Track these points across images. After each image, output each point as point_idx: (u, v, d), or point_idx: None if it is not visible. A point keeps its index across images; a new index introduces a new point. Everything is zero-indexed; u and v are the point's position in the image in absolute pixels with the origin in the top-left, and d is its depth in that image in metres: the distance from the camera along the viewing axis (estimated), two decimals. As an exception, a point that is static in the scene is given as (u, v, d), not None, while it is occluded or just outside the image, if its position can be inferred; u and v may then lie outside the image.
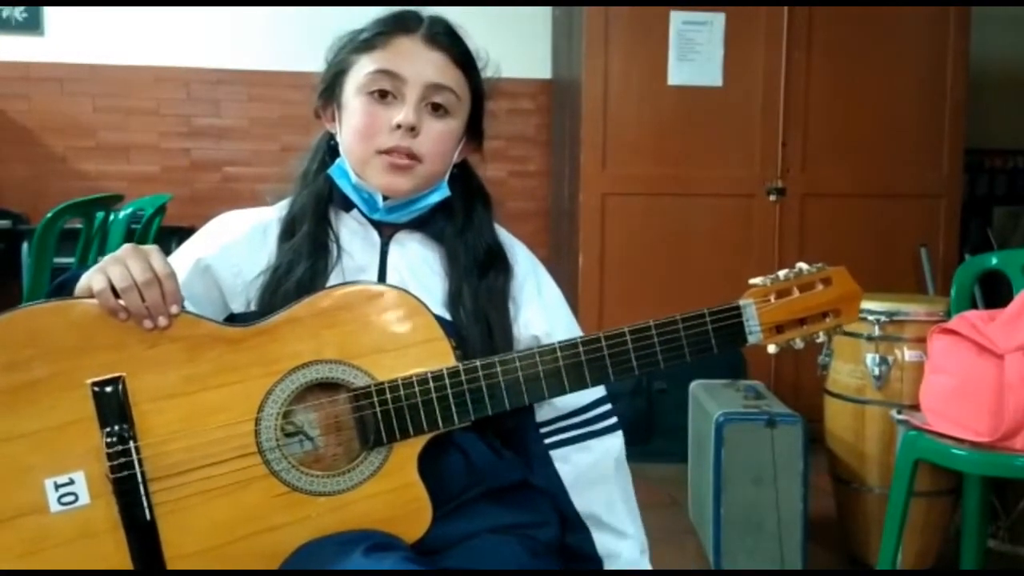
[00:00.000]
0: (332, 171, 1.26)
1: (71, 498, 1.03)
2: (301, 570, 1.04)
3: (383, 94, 1.21)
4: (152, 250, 1.08)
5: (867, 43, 3.71)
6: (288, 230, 1.25)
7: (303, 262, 1.20)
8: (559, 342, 1.15)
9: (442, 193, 1.27)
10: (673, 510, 2.94)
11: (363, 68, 1.23)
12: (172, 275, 1.07)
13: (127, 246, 1.08)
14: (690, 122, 3.63)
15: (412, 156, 1.21)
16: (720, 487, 2.39)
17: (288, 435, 1.10)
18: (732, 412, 2.41)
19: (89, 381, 1.04)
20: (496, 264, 1.28)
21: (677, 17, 3.56)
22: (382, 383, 1.10)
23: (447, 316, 1.22)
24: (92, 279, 1.05)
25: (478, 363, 1.12)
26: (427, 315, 1.14)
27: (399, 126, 1.20)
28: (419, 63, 1.22)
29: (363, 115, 1.22)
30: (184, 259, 1.24)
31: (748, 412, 2.43)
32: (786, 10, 3.61)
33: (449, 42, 1.24)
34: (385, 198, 1.23)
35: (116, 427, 1.04)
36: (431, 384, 1.10)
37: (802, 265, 1.23)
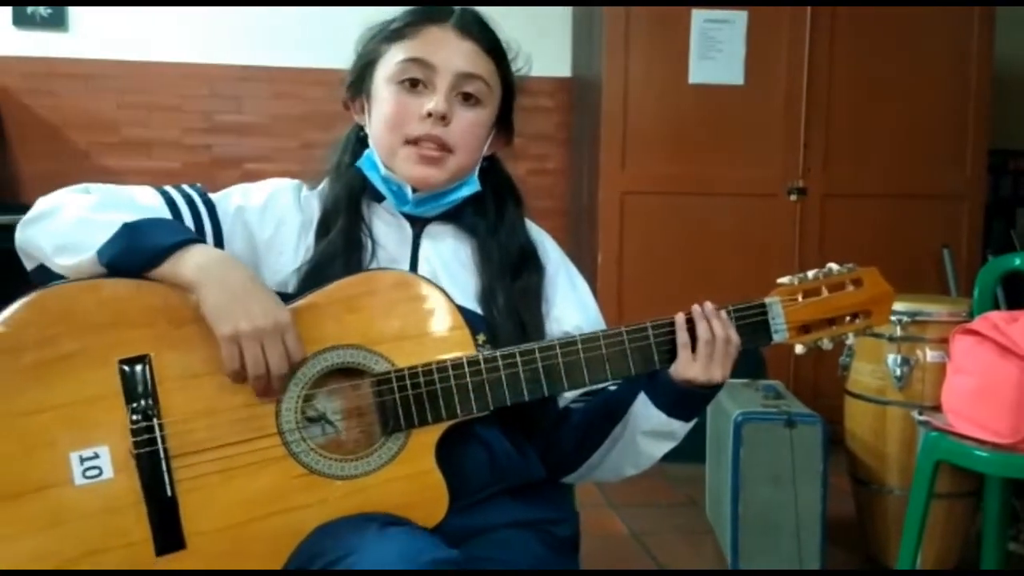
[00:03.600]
0: (361, 163, 1.25)
1: (95, 471, 1.05)
2: (305, 570, 1.04)
3: (414, 83, 1.21)
4: (287, 328, 1.06)
5: (890, 43, 3.68)
6: (324, 225, 1.24)
7: (338, 258, 1.20)
8: (581, 334, 1.15)
9: (472, 187, 1.26)
10: (691, 509, 2.94)
11: (393, 57, 1.22)
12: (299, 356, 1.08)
13: (265, 305, 1.06)
14: (711, 121, 3.61)
15: (443, 146, 1.21)
16: (738, 487, 2.38)
17: (310, 420, 1.11)
18: (751, 412, 2.41)
19: (117, 358, 1.07)
20: (529, 265, 1.28)
21: (699, 15, 3.54)
22: (402, 369, 1.11)
23: (478, 310, 1.22)
24: (224, 346, 1.05)
25: (498, 353, 1.13)
26: (449, 304, 1.14)
27: (430, 114, 1.19)
28: (450, 52, 1.21)
29: (393, 104, 1.21)
30: (239, 220, 1.22)
31: (767, 412, 2.42)
32: (809, 9, 3.59)
33: (480, 32, 1.24)
34: (415, 190, 1.23)
35: (141, 404, 1.06)
36: (450, 371, 1.11)
37: (832, 265, 1.23)
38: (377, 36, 1.26)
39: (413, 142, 1.21)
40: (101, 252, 1.08)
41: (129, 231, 1.08)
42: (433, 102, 1.19)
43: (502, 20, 1.29)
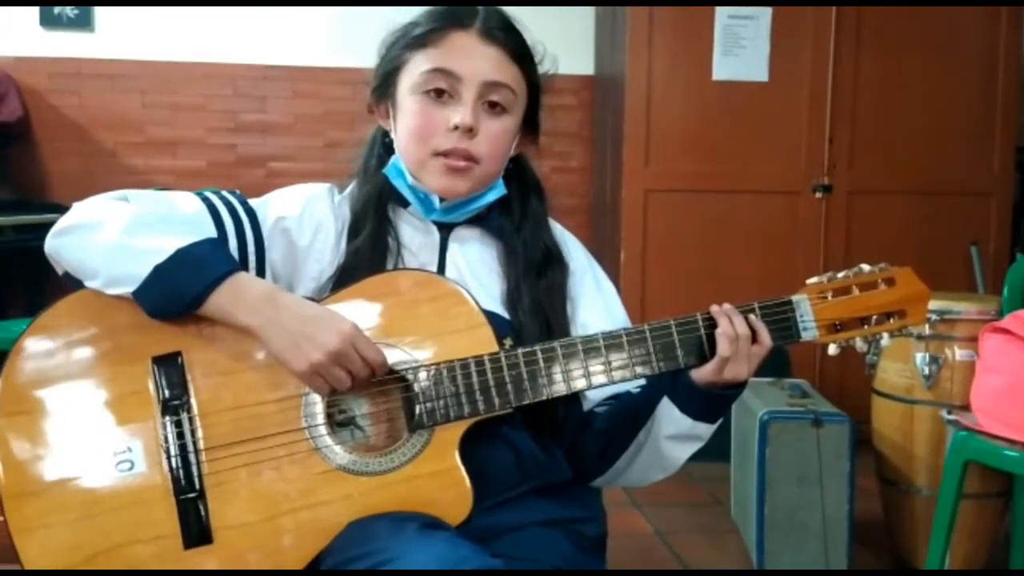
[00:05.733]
0: (388, 171, 1.25)
1: (127, 465, 1.08)
2: (346, 571, 1.04)
3: (439, 93, 1.19)
4: (355, 337, 1.07)
5: (917, 39, 3.64)
6: (353, 229, 1.24)
7: (365, 262, 1.20)
8: (603, 332, 1.15)
9: (498, 192, 1.26)
10: (715, 509, 2.92)
11: (418, 66, 1.20)
12: (384, 364, 1.09)
13: (327, 324, 1.06)
14: (735, 118, 3.59)
15: (469, 158, 1.20)
16: (764, 486, 2.36)
17: (341, 424, 1.13)
18: (777, 411, 2.39)
19: (150, 355, 1.10)
20: (554, 263, 1.27)
21: (723, 12, 3.52)
22: (425, 366, 1.12)
23: (505, 314, 1.22)
24: (307, 380, 1.07)
25: (519, 350, 1.13)
26: (471, 303, 1.15)
27: (456, 127, 1.18)
28: (476, 60, 1.19)
29: (419, 116, 1.20)
30: (278, 229, 1.22)
31: (793, 411, 2.40)
32: (834, 8, 3.56)
33: (505, 36, 1.21)
34: (442, 200, 1.23)
35: (172, 399, 1.09)
36: (472, 369, 1.11)
37: (864, 265, 1.22)
38: (399, 42, 1.24)
39: (442, 154, 1.20)
40: (139, 298, 1.08)
41: (161, 275, 1.07)
42: (459, 115, 1.18)
43: (525, 18, 1.28)
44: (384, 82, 1.26)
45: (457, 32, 1.20)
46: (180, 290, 1.07)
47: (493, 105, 1.21)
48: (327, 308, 1.11)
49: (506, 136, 1.23)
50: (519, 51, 1.22)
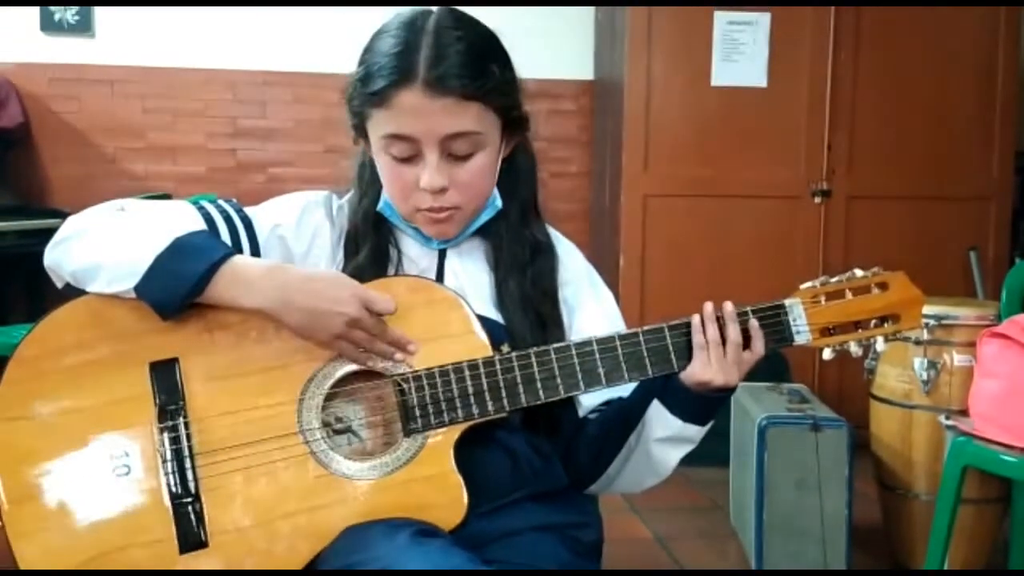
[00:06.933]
0: (381, 209, 1.25)
1: (124, 470, 1.09)
2: (311, 571, 1.05)
3: (403, 155, 1.17)
4: (362, 295, 1.09)
5: (916, 43, 3.65)
6: (351, 240, 1.25)
7: (367, 272, 1.20)
8: (596, 336, 1.15)
9: (492, 209, 1.26)
10: (714, 513, 2.92)
11: (378, 127, 1.18)
12: (393, 308, 1.10)
13: (332, 294, 1.08)
14: (734, 123, 3.60)
15: (451, 207, 1.19)
16: (763, 491, 2.36)
17: (337, 432, 1.14)
18: (775, 416, 2.39)
19: (148, 361, 1.11)
20: (541, 253, 1.27)
21: (721, 17, 3.53)
22: (419, 371, 1.12)
23: (498, 317, 1.22)
24: (335, 347, 1.10)
25: (513, 354, 1.14)
26: (465, 307, 1.16)
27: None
28: (427, 118, 1.13)
29: (391, 176, 1.20)
30: (274, 236, 1.23)
31: (792, 416, 2.40)
32: (833, 10, 3.57)
33: (457, 79, 1.12)
34: None
35: (169, 405, 1.10)
36: (466, 373, 1.12)
37: (857, 270, 1.22)
38: (357, 96, 1.19)
39: (424, 209, 1.19)
40: (142, 291, 1.09)
41: (161, 264, 1.09)
42: (426, 177, 1.15)
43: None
44: (357, 127, 1.24)
45: (403, 91, 1.13)
46: (181, 277, 1.08)
47: (460, 150, 1.16)
48: (327, 276, 1.13)
49: (483, 172, 1.20)
50: (475, 89, 1.13)
